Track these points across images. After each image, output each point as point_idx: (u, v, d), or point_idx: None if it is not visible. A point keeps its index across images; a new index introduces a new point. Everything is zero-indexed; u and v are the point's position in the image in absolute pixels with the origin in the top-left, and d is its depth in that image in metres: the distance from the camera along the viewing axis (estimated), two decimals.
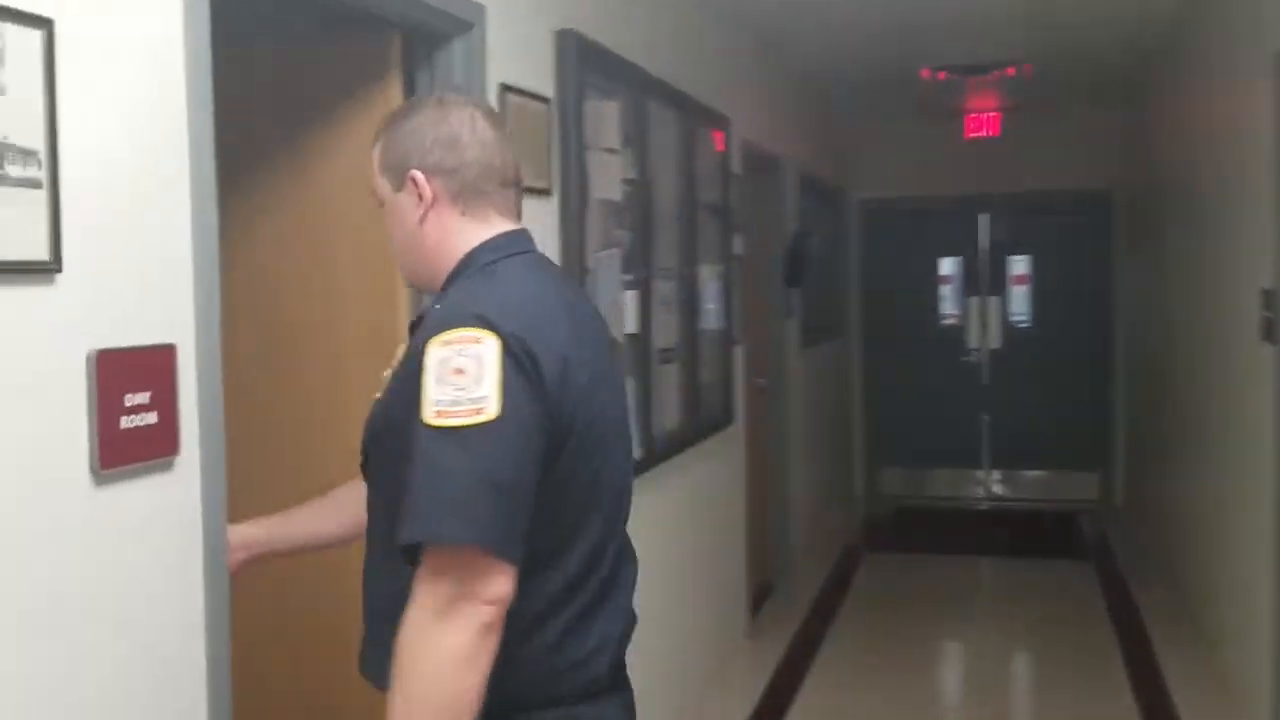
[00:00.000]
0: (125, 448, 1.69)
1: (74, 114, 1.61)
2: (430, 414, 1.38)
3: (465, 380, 1.37)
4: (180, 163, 1.80)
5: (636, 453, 3.67)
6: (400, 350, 1.59)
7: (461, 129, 1.56)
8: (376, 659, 1.49)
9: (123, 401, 1.69)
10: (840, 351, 8.05)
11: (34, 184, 1.55)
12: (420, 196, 1.56)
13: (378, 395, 1.61)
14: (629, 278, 3.62)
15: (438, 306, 1.54)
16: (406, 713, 1.36)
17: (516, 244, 1.60)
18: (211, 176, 1.86)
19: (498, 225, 1.59)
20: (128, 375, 1.70)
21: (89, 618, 1.62)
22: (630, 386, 3.67)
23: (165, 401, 1.76)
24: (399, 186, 1.58)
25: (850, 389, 8.49)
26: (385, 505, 1.50)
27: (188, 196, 1.81)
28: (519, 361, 1.40)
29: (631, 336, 3.66)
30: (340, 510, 1.90)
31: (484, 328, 1.40)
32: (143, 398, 1.72)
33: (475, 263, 1.56)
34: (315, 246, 2.59)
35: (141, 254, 1.73)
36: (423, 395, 1.39)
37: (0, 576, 1.49)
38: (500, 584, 1.37)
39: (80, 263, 1.62)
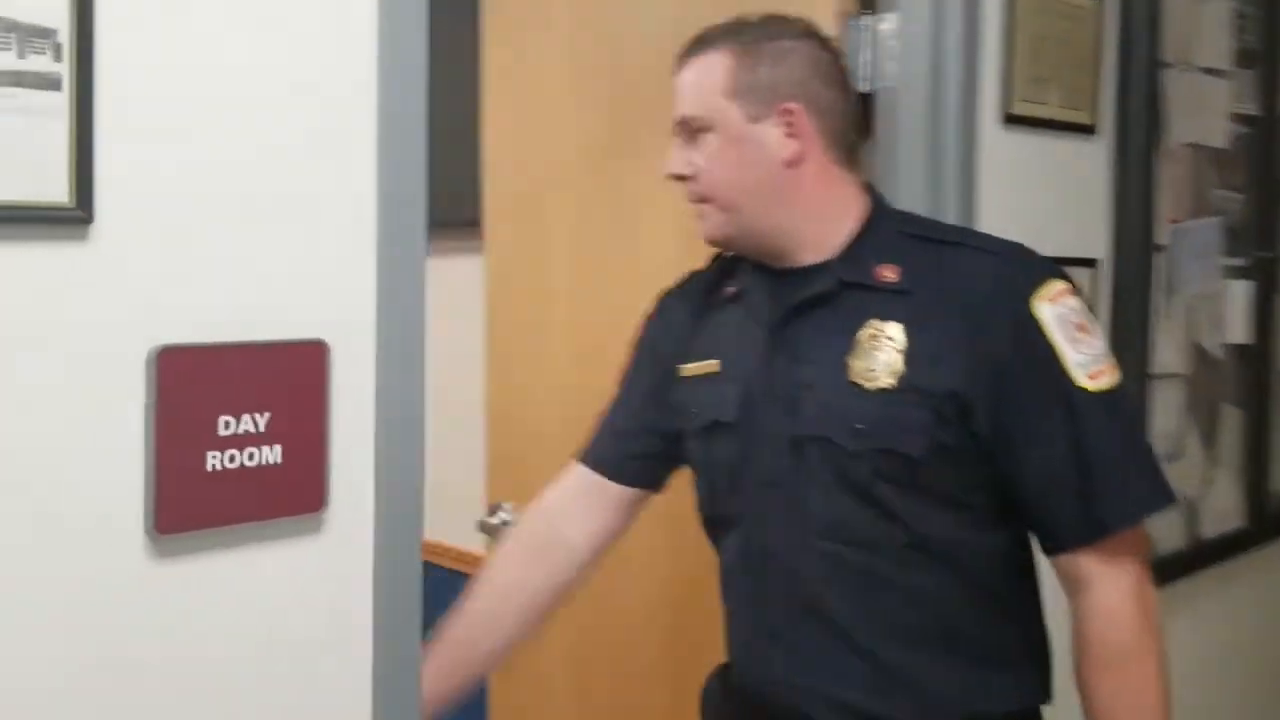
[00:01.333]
0: (213, 501, 1.08)
1: None
2: (1083, 378, 1.29)
3: (1088, 336, 1.31)
4: (364, 55, 1.16)
5: (1238, 520, 2.54)
6: (890, 328, 1.32)
7: (833, 63, 1.40)
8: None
9: (213, 428, 1.08)
10: None
11: (47, 83, 0.98)
12: (795, 134, 1.35)
13: (875, 385, 1.31)
14: (1236, 262, 2.46)
15: (879, 274, 1.35)
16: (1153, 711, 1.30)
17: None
18: (422, 82, 1.19)
19: (861, 179, 1.44)
20: (226, 387, 1.08)
21: None
22: (1234, 421, 2.51)
23: (303, 429, 1.13)
24: (758, 117, 1.35)
25: None
26: (934, 506, 1.31)
27: (373, 113, 1.16)
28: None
29: (1238, 349, 2.49)
30: (513, 606, 1.49)
31: (1063, 278, 1.34)
32: (254, 423, 1.10)
33: (893, 220, 1.41)
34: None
35: (260, 197, 1.11)
36: (1062, 360, 1.28)
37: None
38: None
39: (129, 209, 1.02)
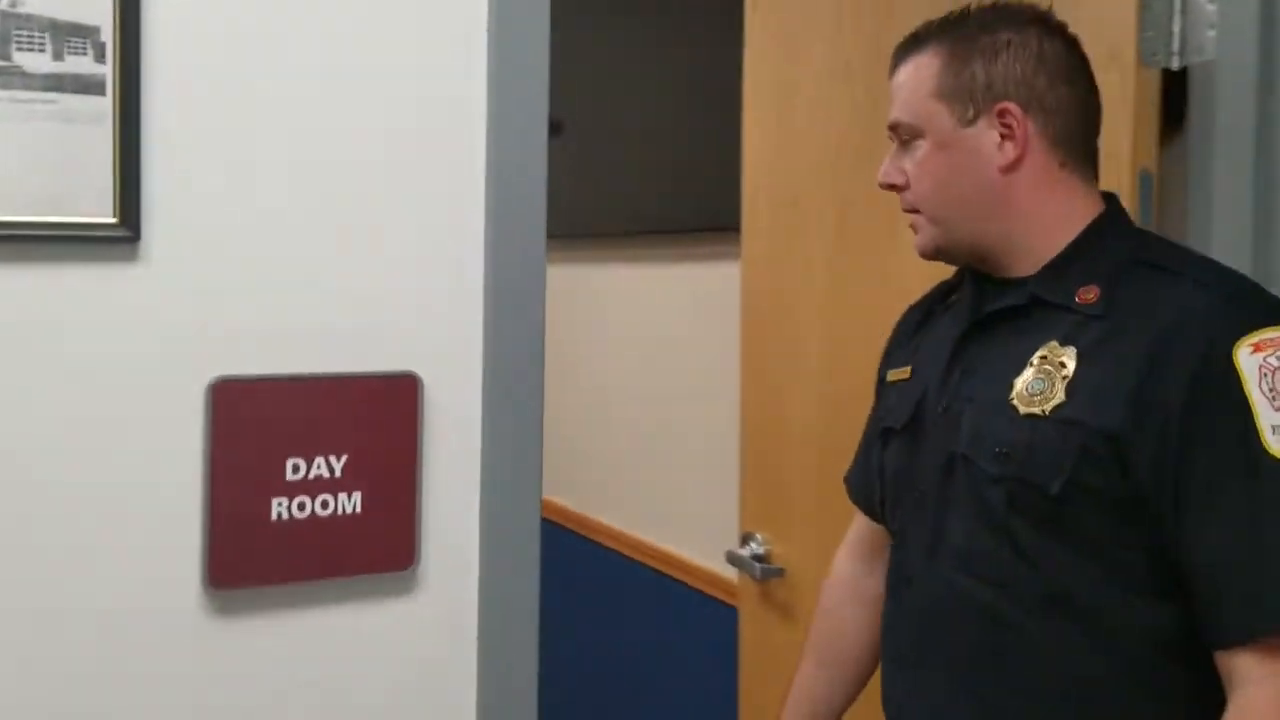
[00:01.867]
0: (278, 554, 0.95)
1: None
2: (1275, 443, 1.10)
3: None
4: (473, 41, 1.00)
5: None
6: (1063, 352, 1.23)
7: (1065, 53, 1.24)
8: None
9: (280, 471, 0.95)
10: None
11: (89, 86, 0.88)
12: (1012, 137, 1.23)
13: (1028, 410, 1.23)
14: None
15: (1080, 295, 1.20)
16: None
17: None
18: (542, 74, 1.02)
19: (1096, 187, 1.27)
20: (295, 426, 0.95)
21: None
22: None
23: (389, 475, 0.99)
24: (970, 120, 1.24)
25: None
26: (1076, 555, 1.18)
27: (482, 113, 1.00)
28: None
29: None
30: (853, 659, 1.44)
31: None
32: (329, 466, 0.96)
33: (1120, 238, 1.23)
34: None
35: (337, 207, 0.97)
36: (1256, 418, 1.10)
37: None
38: None
39: (181, 225, 0.91)
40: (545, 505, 1.10)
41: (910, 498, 1.29)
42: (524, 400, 1.03)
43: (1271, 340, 1.11)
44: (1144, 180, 1.52)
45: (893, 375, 1.37)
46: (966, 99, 1.22)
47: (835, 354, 1.90)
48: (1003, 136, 1.21)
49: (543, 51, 1.01)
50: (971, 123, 1.22)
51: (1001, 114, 1.21)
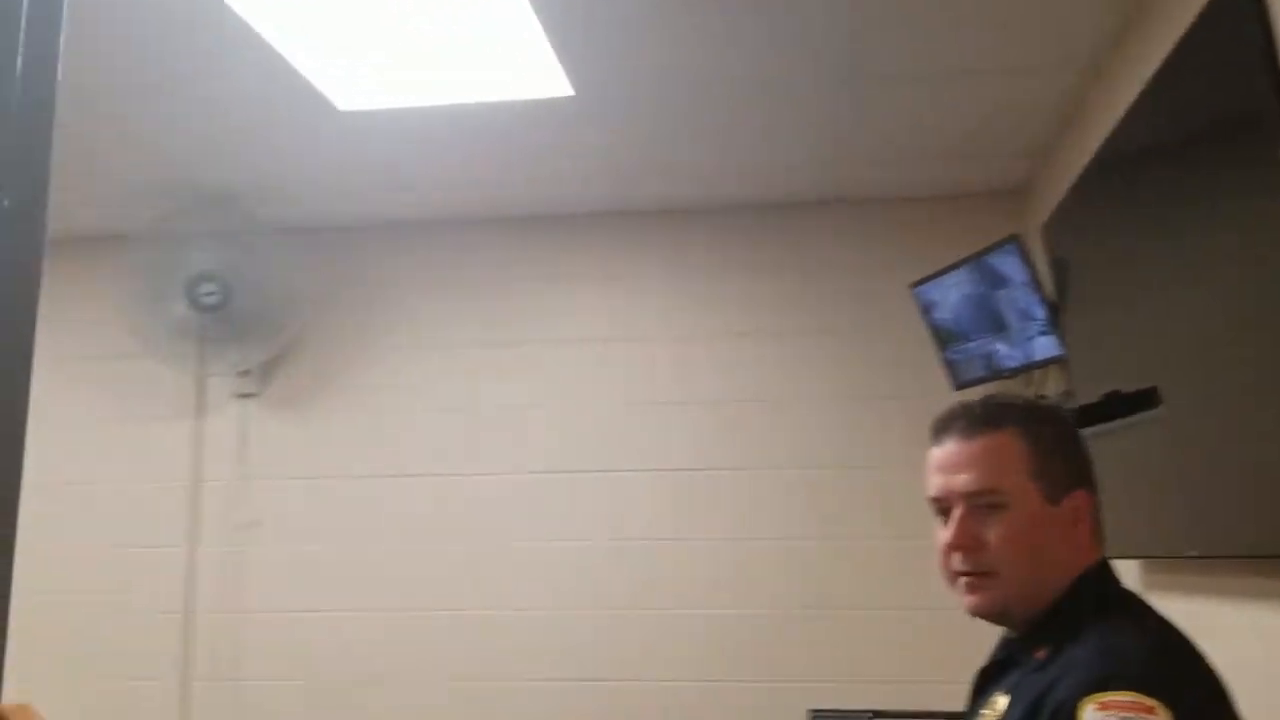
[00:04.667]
0: None
1: None
2: None
3: None
4: None
5: None
6: (1000, 702, 1.40)
7: (1084, 441, 1.48)
8: None
9: None
10: None
11: None
12: (1084, 520, 1.42)
13: None
14: None
15: (1035, 654, 1.37)
16: None
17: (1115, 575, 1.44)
18: None
19: (1101, 551, 1.45)
20: None
21: None
22: None
23: None
24: (1055, 500, 1.42)
25: None
26: None
27: None
28: None
29: None
30: None
31: (1140, 691, 1.20)
32: None
33: (1097, 596, 1.38)
34: None
35: None
36: None
37: None
38: None
39: None
40: None
41: None
42: None
43: (1117, 702, 1.18)
44: None
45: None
46: (1053, 482, 1.39)
47: None
48: (1075, 519, 1.39)
49: None
50: (1056, 503, 1.39)
51: (1075, 499, 1.40)
